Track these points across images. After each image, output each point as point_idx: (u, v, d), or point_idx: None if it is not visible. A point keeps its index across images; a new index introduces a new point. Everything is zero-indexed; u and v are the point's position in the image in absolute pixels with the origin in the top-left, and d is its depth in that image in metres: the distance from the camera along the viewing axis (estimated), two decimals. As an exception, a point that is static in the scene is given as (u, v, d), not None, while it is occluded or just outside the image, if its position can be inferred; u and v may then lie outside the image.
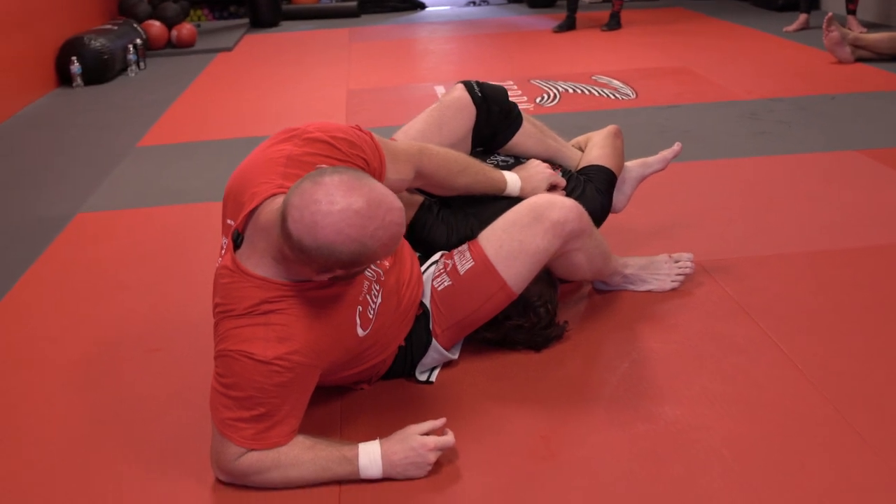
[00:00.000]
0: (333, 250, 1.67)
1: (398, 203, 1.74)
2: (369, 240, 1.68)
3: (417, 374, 2.26)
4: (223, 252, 1.91)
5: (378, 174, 2.04)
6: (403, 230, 1.78)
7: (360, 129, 2.06)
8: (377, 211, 1.68)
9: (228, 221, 1.93)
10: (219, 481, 1.89)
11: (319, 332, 1.84)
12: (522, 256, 2.19)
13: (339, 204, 1.65)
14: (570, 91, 5.42)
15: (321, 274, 1.75)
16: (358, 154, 1.98)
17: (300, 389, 1.85)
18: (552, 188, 2.50)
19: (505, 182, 2.44)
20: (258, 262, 1.82)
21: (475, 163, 2.40)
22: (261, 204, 1.84)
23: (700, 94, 5.17)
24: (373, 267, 2.00)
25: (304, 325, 1.81)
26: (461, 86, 2.56)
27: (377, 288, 2.01)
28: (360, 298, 1.95)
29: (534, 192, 2.42)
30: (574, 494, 1.84)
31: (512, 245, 2.19)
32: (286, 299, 1.81)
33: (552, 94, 5.35)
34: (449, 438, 1.90)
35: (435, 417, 1.96)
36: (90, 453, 2.07)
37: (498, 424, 2.07)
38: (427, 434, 1.91)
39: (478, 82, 2.58)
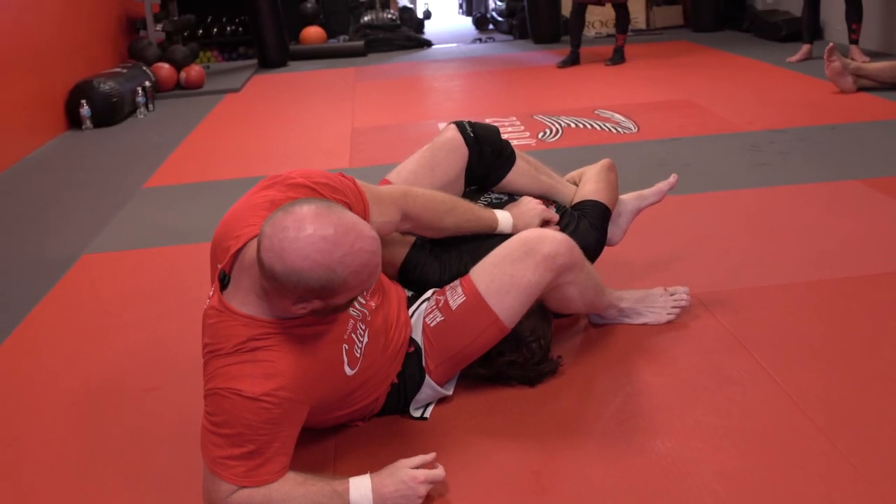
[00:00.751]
0: (301, 276, 1.70)
1: (371, 232, 1.78)
2: (338, 266, 1.72)
3: (412, 411, 2.27)
4: (211, 294, 1.94)
5: (362, 217, 2.07)
6: (377, 259, 1.80)
7: (343, 176, 2.10)
8: (345, 238, 1.72)
9: (217, 266, 1.97)
10: (211, 519, 1.91)
11: (306, 368, 1.86)
12: (514, 290, 2.20)
13: (306, 230, 1.70)
14: (573, 126, 5.45)
15: (298, 305, 1.78)
16: (340, 199, 2.02)
17: (289, 426, 1.86)
18: (545, 223, 2.52)
19: (496, 220, 2.46)
20: (244, 301, 1.85)
21: (462, 203, 2.43)
22: (246, 244, 1.87)
23: (702, 127, 5.20)
24: (357, 306, 2.02)
25: (290, 362, 1.83)
26: (453, 126, 2.58)
27: (363, 327, 2.03)
28: (346, 337, 1.97)
29: (526, 229, 2.45)
30: (564, 529, 1.84)
31: (503, 279, 2.20)
32: (272, 336, 1.83)
33: (555, 130, 5.39)
34: (439, 472, 1.92)
35: (428, 452, 1.98)
36: (86, 489, 2.09)
37: (490, 459, 2.08)
38: (417, 468, 1.92)
39: (470, 122, 2.61)
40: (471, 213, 2.43)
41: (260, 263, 1.75)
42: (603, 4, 7.68)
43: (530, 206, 2.53)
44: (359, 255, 1.74)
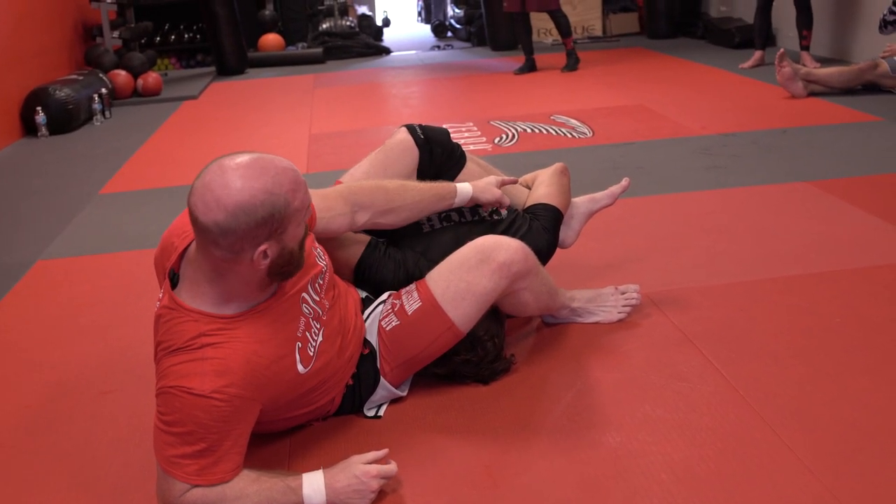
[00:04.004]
0: (247, 210, 1.73)
1: (280, 159, 1.82)
2: (273, 186, 1.75)
3: (365, 411, 2.29)
4: (161, 296, 1.95)
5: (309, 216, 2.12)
6: (302, 178, 1.83)
7: None
8: (264, 161, 1.77)
9: (165, 272, 1.98)
10: (166, 518, 1.92)
11: (256, 364, 1.87)
12: (469, 297, 2.23)
13: (227, 172, 1.75)
14: (529, 131, 5.51)
15: (258, 251, 1.78)
16: None
17: (241, 424, 1.87)
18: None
19: (454, 189, 2.49)
20: (195, 294, 1.87)
21: (412, 182, 2.46)
22: (191, 243, 1.90)
23: (655, 131, 5.28)
24: (311, 302, 2.04)
25: (240, 359, 1.84)
26: (404, 129, 2.62)
27: (317, 326, 2.05)
28: (299, 335, 1.99)
29: (484, 193, 2.49)
30: (515, 521, 1.87)
31: (459, 286, 2.23)
32: (224, 332, 1.85)
33: (511, 135, 5.44)
34: (392, 467, 1.94)
35: (382, 450, 2.00)
36: (38, 492, 2.08)
37: (442, 455, 2.11)
38: (370, 463, 1.94)
39: (420, 125, 2.65)
40: (424, 186, 2.45)
41: (204, 231, 1.76)
42: (520, 10, 7.68)
43: (487, 179, 2.57)
44: (286, 173, 1.78)
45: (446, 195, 2.48)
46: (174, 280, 1.92)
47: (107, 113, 7.07)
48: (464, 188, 2.51)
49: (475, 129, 5.68)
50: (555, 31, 9.88)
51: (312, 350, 2.02)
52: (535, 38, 8.58)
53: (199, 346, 1.83)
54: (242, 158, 1.78)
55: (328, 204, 2.21)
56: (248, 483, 1.87)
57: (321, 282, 2.10)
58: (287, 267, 1.89)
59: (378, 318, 2.31)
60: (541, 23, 9.78)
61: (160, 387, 1.85)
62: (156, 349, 1.91)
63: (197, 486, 1.84)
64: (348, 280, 2.45)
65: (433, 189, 2.47)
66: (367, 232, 2.54)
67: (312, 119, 6.43)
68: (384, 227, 2.45)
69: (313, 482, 1.89)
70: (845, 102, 5.67)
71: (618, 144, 5.02)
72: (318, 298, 2.08)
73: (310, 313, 2.03)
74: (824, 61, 7.05)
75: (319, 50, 9.81)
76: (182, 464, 1.83)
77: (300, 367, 1.99)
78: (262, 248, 1.78)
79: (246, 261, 1.80)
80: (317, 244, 2.16)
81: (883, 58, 5.86)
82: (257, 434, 2.16)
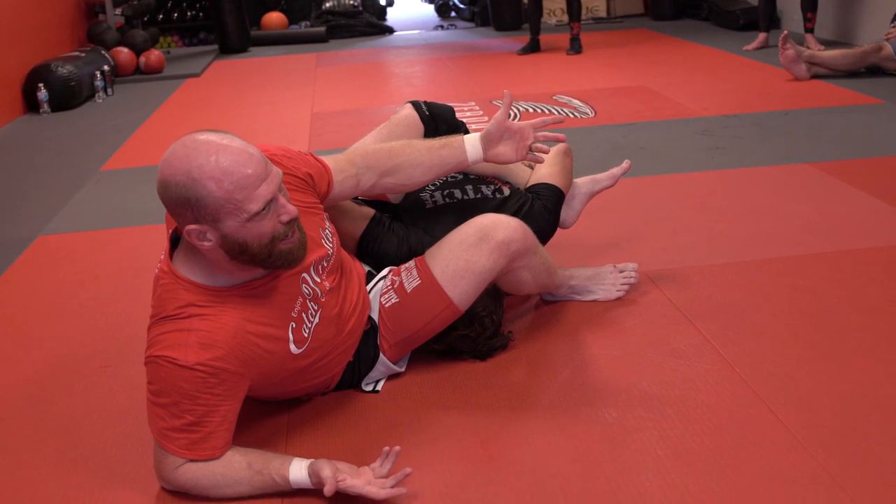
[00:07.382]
0: (168, 186, 1.75)
1: (248, 149, 1.78)
2: (195, 171, 1.72)
3: (363, 386, 2.30)
4: (162, 257, 1.95)
5: (327, 180, 2.16)
6: (246, 170, 1.75)
7: (298, 152, 2.16)
8: (207, 146, 1.75)
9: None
10: (163, 490, 1.93)
11: (245, 340, 1.86)
12: (468, 275, 2.24)
13: (180, 145, 1.77)
14: (531, 110, 5.50)
15: (192, 228, 1.77)
16: (295, 166, 2.08)
17: (228, 398, 1.86)
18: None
19: (461, 138, 2.37)
20: (187, 262, 1.88)
21: (417, 140, 2.40)
22: None
23: (657, 112, 5.27)
24: (310, 282, 2.03)
25: (228, 332, 1.84)
26: (409, 105, 2.62)
27: (314, 307, 2.03)
28: (294, 315, 1.98)
29: (499, 157, 2.37)
30: (508, 495, 1.88)
31: (458, 264, 2.24)
32: (214, 305, 1.85)
33: (512, 114, 5.42)
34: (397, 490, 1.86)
35: (379, 424, 2.02)
36: (37, 464, 2.10)
37: (439, 429, 2.12)
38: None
39: (426, 102, 2.65)
40: (431, 140, 2.37)
41: None
42: None
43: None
44: (219, 162, 1.73)
45: (453, 144, 2.34)
46: (175, 242, 1.93)
47: (109, 90, 7.06)
48: (471, 138, 2.35)
49: (477, 108, 5.67)
50: (559, 12, 9.86)
51: (307, 331, 2.01)
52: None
53: (187, 315, 1.83)
54: (203, 137, 1.76)
55: (340, 166, 2.21)
56: (241, 469, 1.87)
57: (325, 264, 2.09)
58: (248, 257, 1.82)
59: (378, 294, 2.31)
60: (546, 3, 9.74)
61: (147, 355, 1.85)
62: (150, 315, 1.92)
63: (190, 461, 1.85)
64: (352, 252, 2.45)
65: (440, 141, 2.35)
66: (372, 206, 2.54)
67: (315, 98, 6.42)
68: (397, 190, 2.41)
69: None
70: (848, 85, 5.65)
71: (619, 125, 5.01)
72: (318, 280, 2.06)
73: (308, 294, 2.02)
74: (828, 44, 7.02)
75: (322, 29, 9.77)
76: (173, 437, 1.84)
77: (293, 347, 1.98)
78: (192, 227, 1.77)
79: (194, 237, 1.79)
80: (326, 225, 2.14)
81: (887, 40, 5.84)
82: (257, 405, 2.18)
